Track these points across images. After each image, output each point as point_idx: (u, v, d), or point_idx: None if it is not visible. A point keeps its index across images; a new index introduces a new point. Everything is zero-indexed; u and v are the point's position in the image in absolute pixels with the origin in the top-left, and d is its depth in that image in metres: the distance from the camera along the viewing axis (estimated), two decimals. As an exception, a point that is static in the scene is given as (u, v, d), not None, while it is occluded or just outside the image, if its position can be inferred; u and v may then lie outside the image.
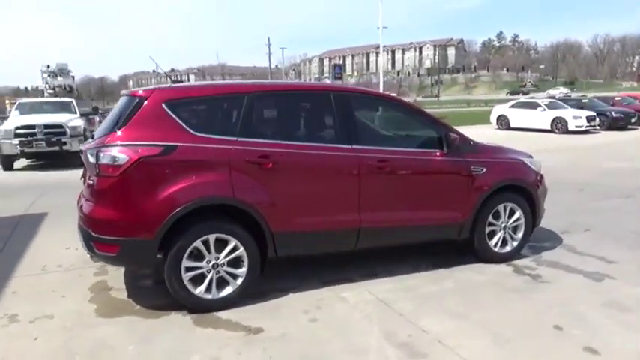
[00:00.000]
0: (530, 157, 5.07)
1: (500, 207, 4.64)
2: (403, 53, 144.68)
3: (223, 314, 3.59)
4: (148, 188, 3.43)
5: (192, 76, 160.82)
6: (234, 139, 3.68)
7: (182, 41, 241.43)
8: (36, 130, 11.01)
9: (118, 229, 3.42)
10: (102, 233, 3.44)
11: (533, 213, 4.81)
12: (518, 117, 20.07)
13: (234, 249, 3.66)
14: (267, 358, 2.99)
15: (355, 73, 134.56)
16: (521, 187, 4.71)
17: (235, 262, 3.69)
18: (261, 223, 3.69)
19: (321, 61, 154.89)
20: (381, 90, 57.24)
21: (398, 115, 4.58)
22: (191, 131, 3.59)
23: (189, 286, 3.56)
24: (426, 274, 4.40)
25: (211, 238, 3.58)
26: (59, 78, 18.79)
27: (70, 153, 11.12)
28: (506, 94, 79.53)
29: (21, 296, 3.99)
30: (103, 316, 3.59)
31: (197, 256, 3.59)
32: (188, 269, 3.55)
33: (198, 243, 3.55)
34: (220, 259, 3.63)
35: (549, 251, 4.98)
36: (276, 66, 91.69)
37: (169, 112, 3.57)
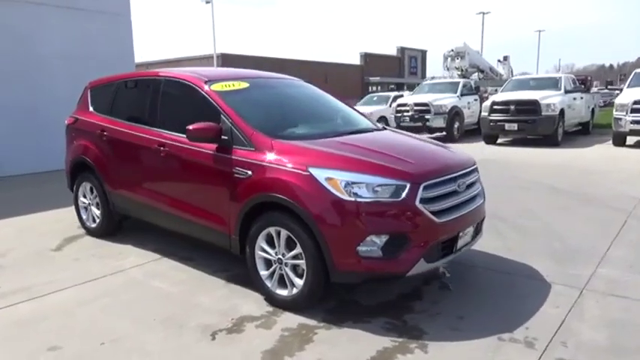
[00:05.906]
0: (400, 176, 3.13)
1: (272, 230, 3.40)
2: None
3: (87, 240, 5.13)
4: (69, 144, 5.38)
5: None
6: (103, 116, 4.96)
7: None
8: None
9: (65, 166, 5.58)
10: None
11: (321, 255, 3.14)
12: None
13: (95, 197, 5.06)
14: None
15: None
16: (292, 210, 3.20)
17: (97, 206, 5.08)
18: (101, 181, 4.86)
19: None
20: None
21: (195, 100, 4.02)
22: (91, 109, 5.18)
23: (83, 214, 5.30)
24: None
25: (86, 185, 5.15)
26: (456, 60, 19.86)
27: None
28: None
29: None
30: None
31: (86, 194, 5.24)
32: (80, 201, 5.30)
33: (84, 185, 5.20)
34: (92, 201, 5.13)
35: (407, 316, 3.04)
36: None
37: (89, 95, 5.30)
